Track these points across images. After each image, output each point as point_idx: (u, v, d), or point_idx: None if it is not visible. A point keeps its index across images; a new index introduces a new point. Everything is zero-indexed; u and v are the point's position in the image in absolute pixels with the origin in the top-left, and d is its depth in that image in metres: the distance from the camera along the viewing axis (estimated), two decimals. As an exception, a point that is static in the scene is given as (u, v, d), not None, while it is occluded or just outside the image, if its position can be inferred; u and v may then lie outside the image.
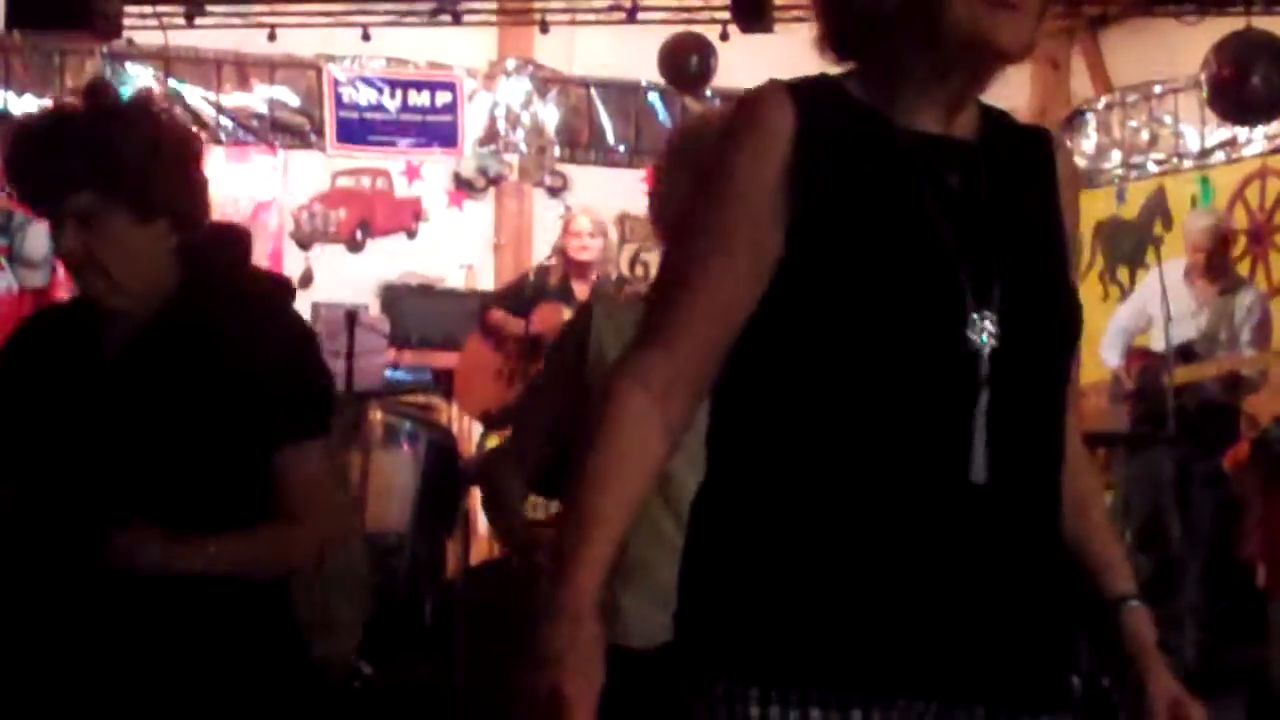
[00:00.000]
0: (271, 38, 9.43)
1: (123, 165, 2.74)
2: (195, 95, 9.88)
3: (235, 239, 4.62)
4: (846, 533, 1.94)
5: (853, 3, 2.06)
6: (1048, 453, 2.05)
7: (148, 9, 9.06)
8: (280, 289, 4.58)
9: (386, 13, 9.42)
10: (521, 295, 7.98)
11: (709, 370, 2.00)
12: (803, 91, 2.05)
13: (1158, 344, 7.75)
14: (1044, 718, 2.02)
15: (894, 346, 1.94)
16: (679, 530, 2.10)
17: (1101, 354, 7.88)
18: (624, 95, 10.30)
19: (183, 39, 9.57)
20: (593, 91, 10.27)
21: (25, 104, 9.58)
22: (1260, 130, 8.94)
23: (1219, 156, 9.39)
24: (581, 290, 7.90)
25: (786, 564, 1.95)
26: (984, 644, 1.97)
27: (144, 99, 2.91)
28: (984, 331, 1.96)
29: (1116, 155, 9.92)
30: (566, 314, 7.70)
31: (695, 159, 2.77)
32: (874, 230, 1.96)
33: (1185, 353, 7.55)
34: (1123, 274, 9.75)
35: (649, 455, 1.97)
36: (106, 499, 2.74)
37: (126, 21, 8.56)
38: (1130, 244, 9.67)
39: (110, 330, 2.83)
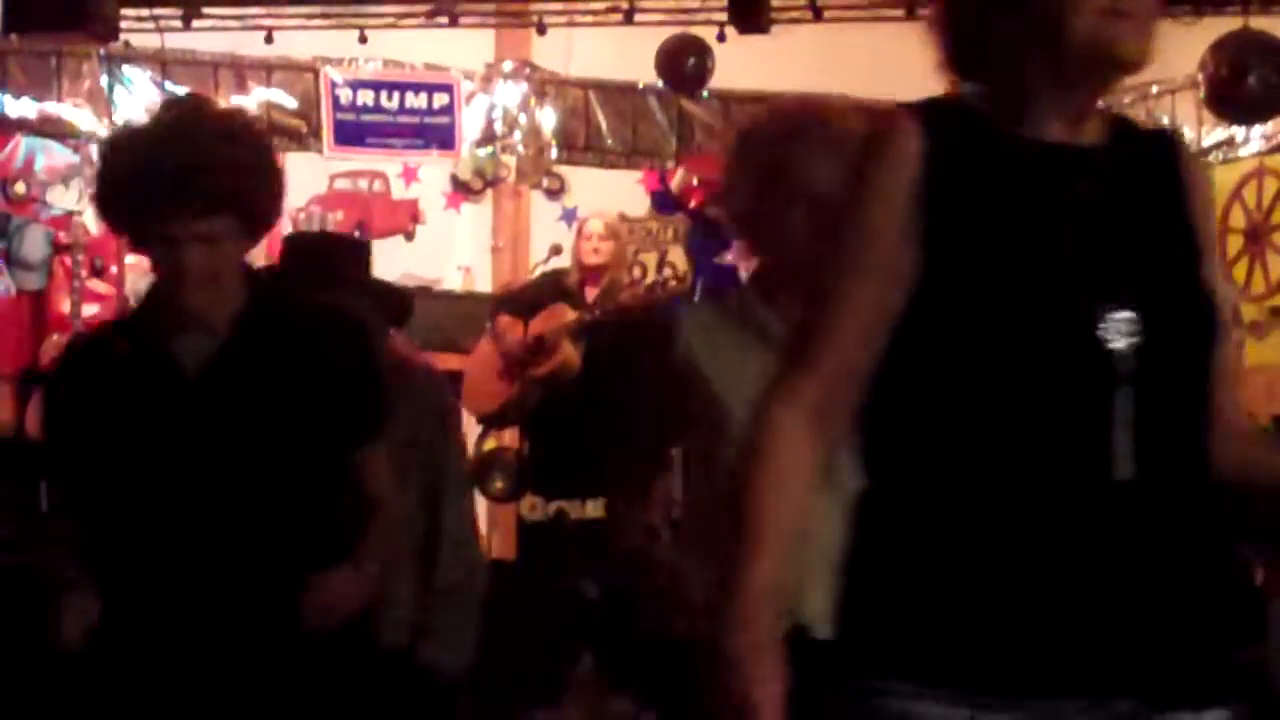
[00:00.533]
0: (268, 40, 9.43)
1: (257, 190, 2.87)
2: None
3: (357, 248, 4.63)
4: (995, 534, 2.04)
5: (974, 23, 2.17)
6: (1195, 447, 2.09)
7: (145, 12, 9.08)
8: (396, 300, 4.59)
9: (383, 15, 9.42)
10: (535, 295, 7.98)
11: (855, 389, 2.13)
12: (928, 113, 2.17)
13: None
14: (1189, 712, 2.08)
15: (1029, 350, 2.03)
16: None
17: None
18: (622, 97, 10.29)
19: (179, 41, 9.57)
20: (590, 93, 10.26)
21: (22, 107, 9.57)
22: (1257, 130, 8.94)
23: (1216, 156, 9.39)
24: (592, 294, 7.92)
25: (938, 567, 2.06)
26: (1130, 638, 2.04)
27: (246, 118, 2.96)
28: (1120, 330, 2.03)
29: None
30: (571, 314, 7.73)
31: (756, 156, 3.00)
32: (1004, 239, 2.06)
33: None
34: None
35: (805, 475, 2.11)
36: (216, 521, 2.81)
37: (123, 24, 8.58)
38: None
39: (182, 346, 2.86)
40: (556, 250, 8.32)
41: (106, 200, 2.91)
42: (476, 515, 4.89)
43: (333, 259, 4.30)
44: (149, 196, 2.79)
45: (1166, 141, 2.26)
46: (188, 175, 2.77)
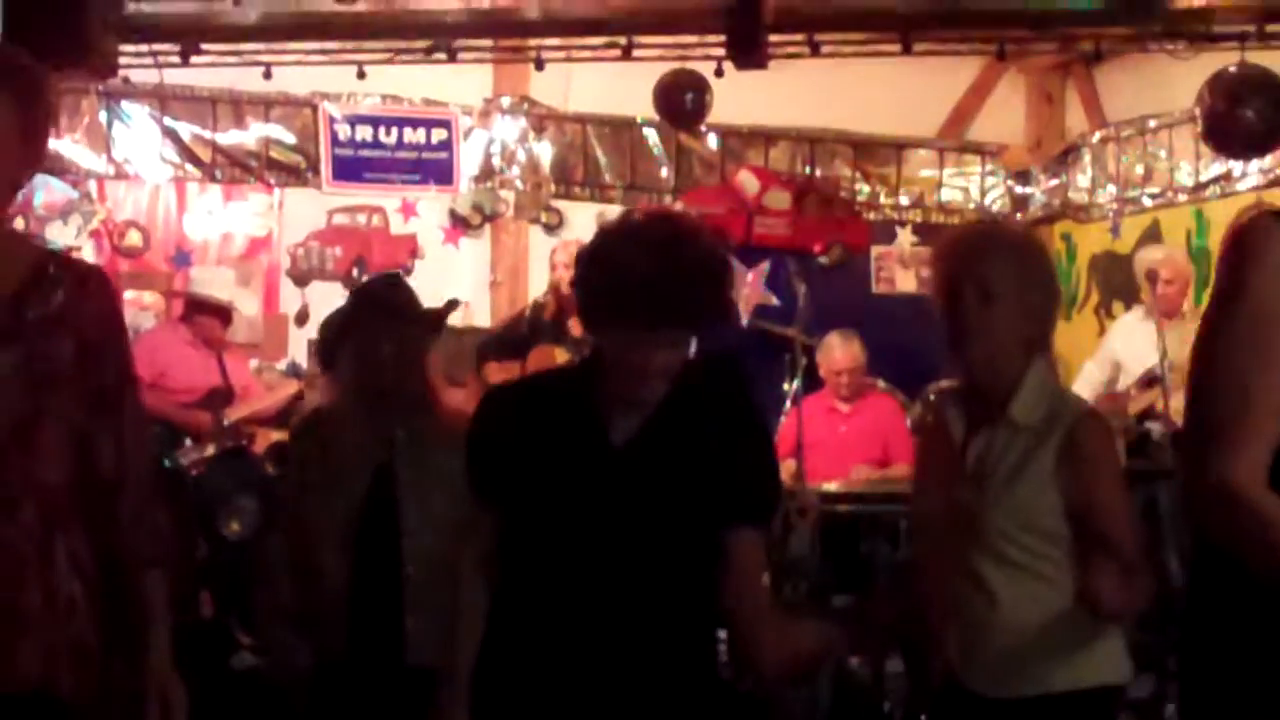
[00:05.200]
0: (267, 76, 9.45)
1: (718, 303, 3.22)
2: (190, 133, 9.90)
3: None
4: None
5: None
6: None
7: (144, 47, 9.08)
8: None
9: (381, 50, 9.44)
10: (518, 335, 7.97)
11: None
12: None
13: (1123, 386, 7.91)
14: None
15: None
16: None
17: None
18: (619, 132, 10.32)
19: (178, 77, 9.59)
20: (588, 128, 10.29)
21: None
22: (1254, 164, 8.96)
23: (1213, 191, 9.41)
24: (575, 327, 7.87)
25: None
26: None
27: (711, 233, 3.38)
28: None
29: (1111, 189, 9.94)
30: (561, 356, 7.69)
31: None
32: None
33: (1150, 381, 7.63)
34: (1118, 308, 9.76)
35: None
36: (617, 570, 3.21)
37: (122, 60, 8.58)
38: (1124, 278, 9.68)
39: (615, 421, 3.25)
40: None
41: (593, 296, 3.25)
42: None
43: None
44: (639, 307, 3.13)
45: None
46: (682, 300, 3.12)
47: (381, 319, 4.55)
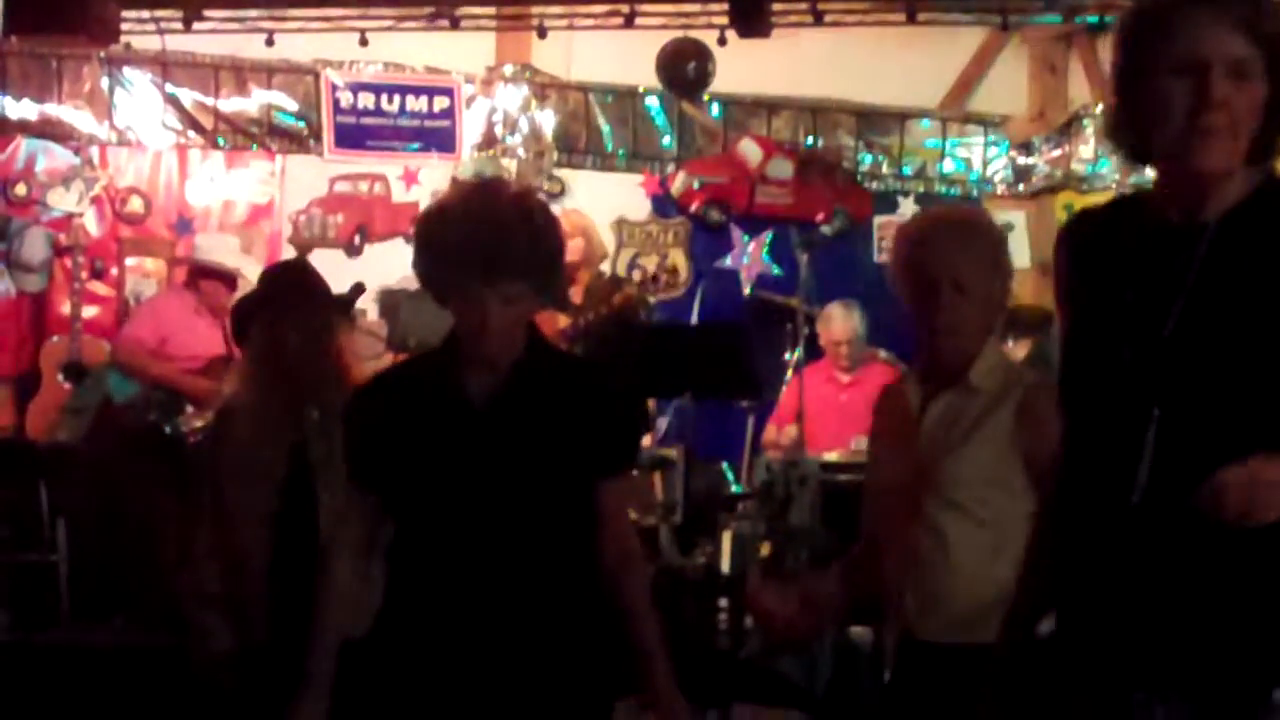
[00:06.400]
0: (269, 43, 9.46)
1: (547, 261, 3.41)
2: (192, 100, 9.89)
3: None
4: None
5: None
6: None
7: (145, 14, 9.09)
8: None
9: (384, 17, 9.43)
10: None
11: None
12: (1084, 213, 2.71)
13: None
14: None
15: (1079, 399, 2.56)
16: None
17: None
18: (622, 100, 10.30)
19: (180, 44, 9.59)
20: (590, 97, 10.27)
21: (23, 109, 9.58)
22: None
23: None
24: (577, 294, 7.86)
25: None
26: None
27: (539, 200, 3.65)
28: (1144, 381, 2.41)
29: (1114, 160, 9.92)
30: (561, 321, 7.69)
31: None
32: (1096, 302, 2.55)
33: None
34: (1120, 279, 9.75)
35: None
36: (487, 523, 3.36)
37: (124, 26, 8.60)
38: (1127, 249, 9.66)
39: (473, 383, 3.42)
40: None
41: (424, 264, 3.48)
42: None
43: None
44: (464, 264, 3.32)
45: None
46: (498, 249, 3.30)
47: (290, 302, 4.62)
